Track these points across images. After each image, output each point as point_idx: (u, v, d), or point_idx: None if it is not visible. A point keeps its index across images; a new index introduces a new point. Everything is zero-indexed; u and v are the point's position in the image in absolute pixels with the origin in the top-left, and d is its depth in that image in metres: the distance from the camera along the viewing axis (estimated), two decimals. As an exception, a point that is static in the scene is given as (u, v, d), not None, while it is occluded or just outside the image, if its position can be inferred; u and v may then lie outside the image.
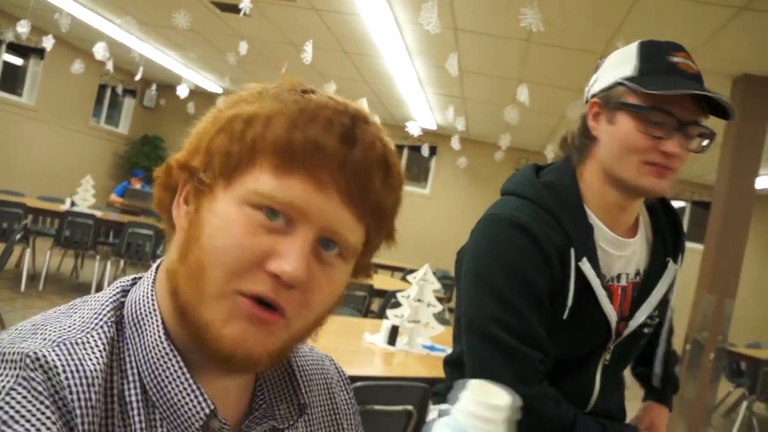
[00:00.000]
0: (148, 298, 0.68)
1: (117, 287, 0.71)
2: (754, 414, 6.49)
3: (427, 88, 8.66)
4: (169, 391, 0.64)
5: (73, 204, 7.44)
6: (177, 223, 0.68)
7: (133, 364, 0.64)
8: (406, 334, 3.01)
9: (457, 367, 1.38)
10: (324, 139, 0.63)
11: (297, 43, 6.73)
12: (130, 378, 0.63)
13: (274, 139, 0.63)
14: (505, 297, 1.23)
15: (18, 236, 4.90)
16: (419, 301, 3.07)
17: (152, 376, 0.64)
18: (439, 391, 1.46)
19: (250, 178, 0.63)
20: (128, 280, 0.73)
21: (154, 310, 0.67)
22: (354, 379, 2.09)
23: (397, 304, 3.16)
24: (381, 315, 4.51)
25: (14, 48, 9.88)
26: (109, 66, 8.03)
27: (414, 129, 8.37)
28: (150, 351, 0.65)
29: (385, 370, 2.66)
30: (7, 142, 9.90)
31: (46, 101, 10.49)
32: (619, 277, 1.34)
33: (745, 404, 6.37)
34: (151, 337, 0.65)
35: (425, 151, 10.42)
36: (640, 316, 1.34)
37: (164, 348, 0.64)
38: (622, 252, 1.35)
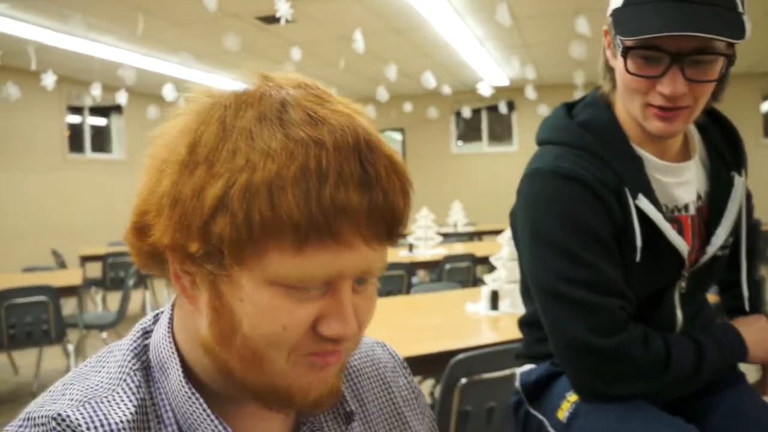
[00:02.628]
0: (165, 341, 0.67)
1: (138, 330, 0.70)
2: None
3: (487, 44, 8.45)
4: None
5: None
6: (184, 294, 0.64)
7: (168, 407, 0.64)
8: (507, 296, 2.95)
9: (534, 327, 1.34)
10: (342, 199, 0.55)
11: (348, 36, 6.72)
12: (167, 422, 0.63)
13: (288, 219, 0.54)
14: (569, 250, 1.17)
15: (132, 282, 5.16)
16: (514, 260, 3.00)
17: (183, 418, 0.64)
18: (520, 352, 1.42)
19: (267, 260, 0.57)
20: (150, 320, 0.72)
21: (173, 353, 0.66)
22: (458, 351, 2.08)
23: (494, 268, 3.10)
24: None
25: (95, 110, 10.46)
26: (182, 103, 8.33)
27: (485, 89, 8.23)
28: (176, 394, 0.64)
29: (492, 336, 2.62)
30: (109, 198, 10.43)
31: (133, 151, 11.00)
32: (687, 206, 1.25)
33: None
34: (174, 381, 0.65)
35: (503, 108, 10.21)
36: (717, 240, 1.25)
37: (186, 392, 0.64)
38: (679, 178, 1.25)
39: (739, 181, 1.28)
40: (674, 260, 1.22)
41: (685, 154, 1.28)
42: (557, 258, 1.18)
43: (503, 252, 3.06)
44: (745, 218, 1.31)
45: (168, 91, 7.32)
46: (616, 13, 1.13)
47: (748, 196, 1.36)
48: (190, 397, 0.63)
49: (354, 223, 0.57)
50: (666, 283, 1.25)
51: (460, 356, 2.04)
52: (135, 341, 0.69)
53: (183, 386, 0.64)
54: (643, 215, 1.18)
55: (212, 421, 0.63)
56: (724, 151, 1.31)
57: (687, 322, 1.28)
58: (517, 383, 1.38)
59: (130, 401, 0.62)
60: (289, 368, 0.61)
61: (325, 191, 0.55)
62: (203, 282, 0.60)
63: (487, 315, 2.91)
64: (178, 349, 0.66)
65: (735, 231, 1.30)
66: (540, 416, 1.30)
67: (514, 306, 2.90)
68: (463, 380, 2.03)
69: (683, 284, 1.26)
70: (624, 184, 1.18)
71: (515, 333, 2.64)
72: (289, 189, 0.54)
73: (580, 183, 1.17)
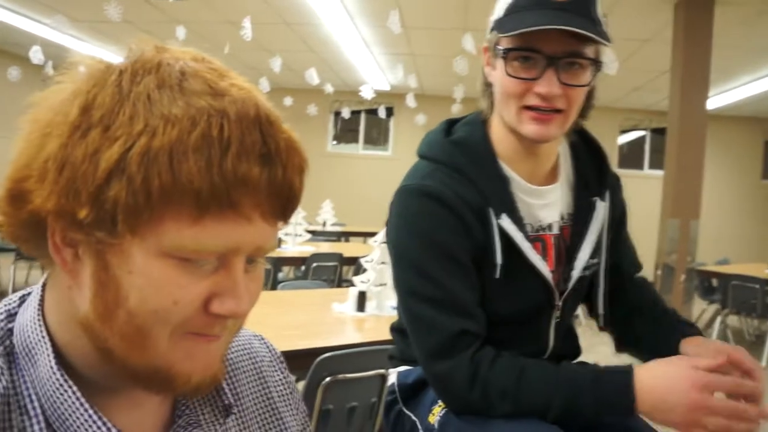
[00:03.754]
0: (34, 324, 0.62)
1: (1, 312, 0.64)
2: (728, 327, 6.65)
3: (374, 49, 8.57)
4: (71, 423, 0.59)
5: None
6: (63, 268, 0.59)
7: (33, 396, 0.59)
8: (374, 298, 3.02)
9: (405, 334, 1.38)
10: (244, 169, 0.55)
11: (236, 21, 6.58)
12: (32, 413, 0.59)
13: (188, 186, 0.53)
14: (422, 268, 1.20)
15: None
16: (383, 263, 3.07)
17: (52, 408, 0.59)
18: (394, 355, 1.46)
19: (164, 228, 0.55)
20: (15, 301, 0.66)
21: (43, 338, 0.61)
22: (324, 350, 2.11)
23: (360, 269, 3.16)
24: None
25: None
26: (49, 69, 7.83)
27: (367, 92, 8.30)
28: (45, 382, 0.59)
29: (357, 337, 2.66)
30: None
31: (-10, 113, 10.20)
32: (550, 226, 1.31)
33: (719, 319, 6.50)
34: (43, 367, 0.60)
35: (382, 113, 10.33)
36: (579, 263, 1.30)
37: (58, 379, 0.59)
38: (544, 200, 1.30)
39: (600, 205, 1.34)
40: (537, 281, 1.26)
41: (553, 177, 1.34)
42: (411, 274, 1.22)
43: (374, 254, 3.12)
44: (609, 240, 1.37)
45: (35, 53, 6.86)
46: (499, 20, 1.20)
47: (623, 215, 1.45)
48: (61, 385, 0.59)
49: (253, 196, 0.57)
50: (537, 307, 1.29)
51: (325, 355, 2.06)
52: None
53: (54, 373, 0.59)
54: (504, 235, 1.22)
55: (86, 410, 0.59)
56: (589, 175, 1.37)
57: (557, 345, 1.34)
58: (392, 383, 1.40)
59: None
60: (171, 348, 0.59)
61: (227, 160, 0.54)
62: (88, 252, 0.57)
63: (354, 316, 2.96)
64: (49, 333, 0.61)
65: (599, 255, 1.35)
66: (413, 417, 1.33)
67: (380, 308, 2.97)
68: (327, 379, 2.06)
69: (558, 313, 1.32)
70: (488, 203, 1.22)
71: (381, 335, 2.71)
72: (191, 155, 0.53)
73: (442, 203, 1.20)
